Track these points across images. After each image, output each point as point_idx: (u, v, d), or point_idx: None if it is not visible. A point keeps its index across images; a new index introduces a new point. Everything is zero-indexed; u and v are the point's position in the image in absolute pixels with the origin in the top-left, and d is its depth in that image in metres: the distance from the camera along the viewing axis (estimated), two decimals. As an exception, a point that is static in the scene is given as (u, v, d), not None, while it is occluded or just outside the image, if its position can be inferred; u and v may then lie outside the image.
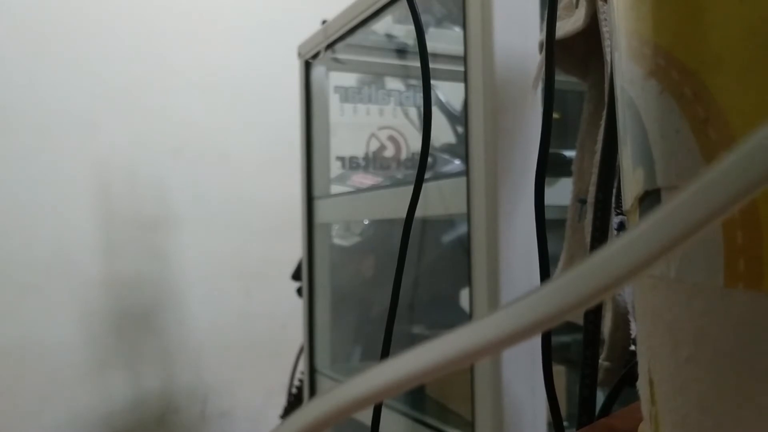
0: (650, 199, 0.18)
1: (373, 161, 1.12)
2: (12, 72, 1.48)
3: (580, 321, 0.43)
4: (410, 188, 0.57)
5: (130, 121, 1.61)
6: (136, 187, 1.61)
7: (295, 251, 1.11)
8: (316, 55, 0.97)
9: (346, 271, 1.12)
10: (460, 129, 0.94)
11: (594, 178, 0.42)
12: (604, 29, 0.42)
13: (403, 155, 1.14)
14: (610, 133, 0.41)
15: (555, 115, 0.46)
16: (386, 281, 0.58)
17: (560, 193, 0.53)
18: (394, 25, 0.96)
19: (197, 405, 1.67)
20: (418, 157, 0.58)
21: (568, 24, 0.45)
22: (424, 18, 0.58)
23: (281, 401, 1.45)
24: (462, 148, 0.68)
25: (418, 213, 0.57)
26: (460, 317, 0.92)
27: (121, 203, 1.60)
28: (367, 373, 0.12)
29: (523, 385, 0.59)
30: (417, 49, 0.55)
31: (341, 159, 1.08)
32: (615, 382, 0.41)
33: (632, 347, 0.42)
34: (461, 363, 0.11)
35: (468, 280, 0.62)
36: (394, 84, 1.10)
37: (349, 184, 1.05)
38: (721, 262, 0.16)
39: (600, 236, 0.41)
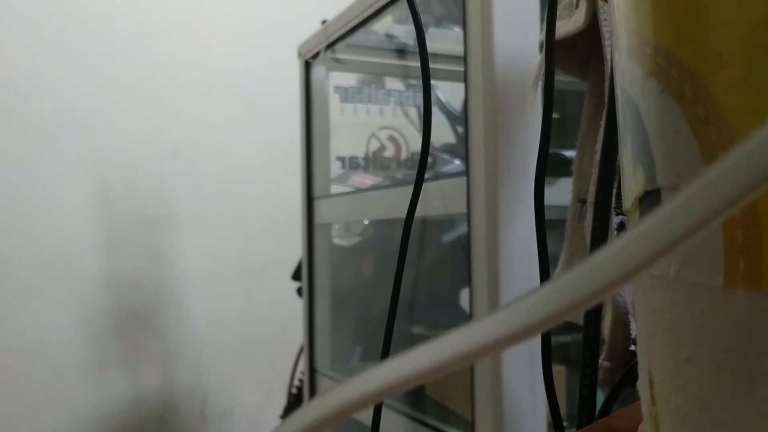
0: (650, 199, 0.18)
1: (373, 161, 1.12)
2: (12, 72, 1.48)
3: (580, 321, 0.43)
4: (410, 188, 0.57)
5: (130, 121, 1.61)
6: (136, 187, 1.61)
7: (295, 251, 1.11)
8: (316, 55, 0.97)
9: (346, 271, 1.12)
10: (460, 129, 0.94)
11: (594, 178, 0.42)
12: (605, 29, 0.42)
13: (403, 155, 1.14)
14: (610, 133, 0.41)
15: (555, 115, 0.46)
16: (386, 281, 0.58)
17: (560, 193, 0.53)
18: (394, 25, 0.96)
19: (197, 405, 1.67)
20: (418, 157, 0.58)
21: (569, 24, 0.45)
22: (424, 18, 0.58)
23: (281, 401, 1.45)
24: (462, 148, 0.68)
25: (418, 213, 0.57)
26: (460, 317, 0.92)
27: (121, 203, 1.60)
28: (367, 373, 0.12)
29: (523, 385, 0.59)
30: (417, 49, 0.55)
31: (341, 159, 1.08)
32: (615, 382, 0.41)
33: (632, 347, 0.42)
34: (461, 363, 0.11)
35: (468, 280, 0.62)
36: (394, 84, 1.10)
37: (349, 184, 1.05)
38: (721, 262, 0.16)
39: (600, 236, 0.41)
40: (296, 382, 1.29)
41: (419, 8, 0.55)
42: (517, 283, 0.59)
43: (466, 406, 0.64)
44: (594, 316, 0.42)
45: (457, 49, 0.64)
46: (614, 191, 0.41)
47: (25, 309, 1.48)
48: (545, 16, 0.45)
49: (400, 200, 0.70)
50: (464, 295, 0.90)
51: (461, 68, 0.62)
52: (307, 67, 1.01)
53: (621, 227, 0.41)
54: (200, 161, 1.69)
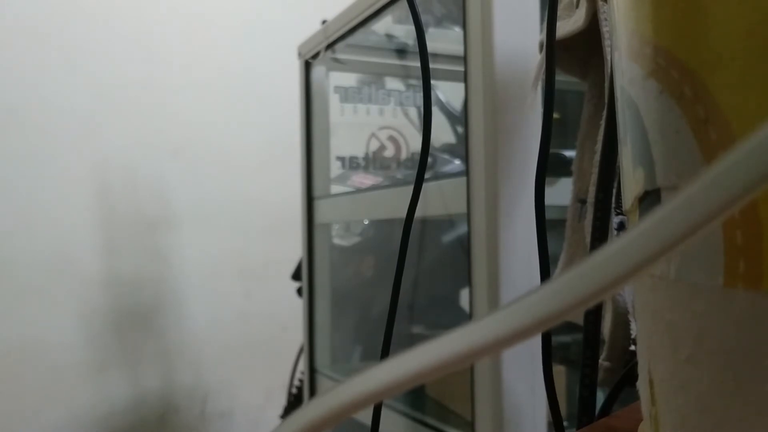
0: (650, 199, 0.18)
1: (373, 161, 1.12)
2: (12, 72, 1.48)
3: (580, 321, 0.43)
4: (410, 188, 0.57)
5: (130, 121, 1.61)
6: (136, 187, 1.61)
7: (295, 251, 1.11)
8: (316, 55, 0.97)
9: (346, 271, 1.12)
10: (460, 129, 0.94)
11: (594, 178, 0.42)
12: (605, 29, 0.42)
13: (403, 155, 1.14)
14: (610, 133, 0.41)
15: (555, 115, 0.46)
16: (386, 281, 0.58)
17: (560, 193, 0.53)
18: (394, 25, 0.96)
19: (197, 405, 1.67)
20: (418, 157, 0.58)
21: (569, 24, 0.45)
22: (424, 18, 0.58)
23: (281, 401, 1.45)
24: (462, 148, 0.68)
25: (418, 213, 0.57)
26: (460, 317, 0.92)
27: (121, 203, 1.60)
28: (367, 373, 0.12)
29: (523, 385, 0.59)
30: (417, 49, 0.55)
31: (341, 159, 1.08)
32: (615, 382, 0.41)
33: (632, 347, 0.42)
34: (461, 363, 0.11)
35: (468, 280, 0.62)
36: (394, 84, 1.10)
37: (349, 184, 1.05)
38: (721, 262, 0.16)
39: (600, 236, 0.41)
40: (296, 382, 1.29)
41: (419, 8, 0.55)
42: (517, 283, 0.59)
43: (466, 406, 0.64)
44: (594, 316, 0.42)
45: (457, 49, 0.64)
46: (614, 191, 0.41)
47: (25, 309, 1.47)
48: (545, 16, 0.45)
49: (400, 200, 0.70)
50: (464, 295, 0.90)
51: (461, 68, 0.62)
52: (307, 67, 1.01)
53: (621, 227, 0.41)
54: (200, 161, 1.69)
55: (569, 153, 0.53)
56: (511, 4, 0.59)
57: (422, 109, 0.57)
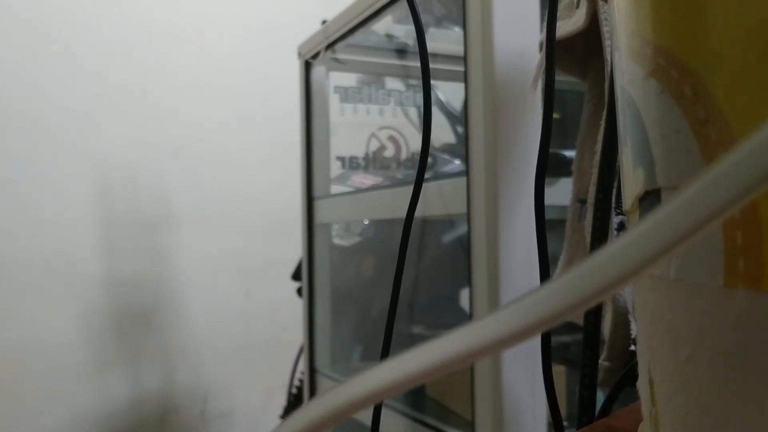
0: (650, 199, 0.18)
1: (373, 161, 1.12)
2: (12, 72, 1.48)
3: (580, 321, 0.43)
4: (410, 188, 0.57)
5: (130, 121, 1.61)
6: (136, 187, 1.61)
7: (295, 251, 1.11)
8: (316, 55, 0.97)
9: (346, 271, 1.12)
10: (460, 129, 0.94)
11: (594, 178, 0.42)
12: (605, 29, 0.42)
13: (403, 155, 1.14)
14: (610, 133, 0.41)
15: (555, 115, 0.46)
16: (386, 281, 0.58)
17: (560, 193, 0.53)
18: (394, 25, 0.96)
19: (197, 405, 1.67)
20: (418, 157, 0.58)
21: (569, 24, 0.45)
22: (424, 18, 0.58)
23: (281, 401, 1.45)
24: (462, 148, 0.68)
25: (418, 213, 0.57)
26: (460, 317, 0.92)
27: (121, 203, 1.60)
28: (367, 373, 0.12)
29: (523, 385, 0.59)
30: (417, 49, 0.55)
31: (341, 159, 1.08)
32: (615, 382, 0.41)
33: (632, 347, 0.42)
34: (461, 363, 0.11)
35: (468, 280, 0.62)
36: (394, 84, 1.10)
37: (349, 184, 1.05)
38: (721, 262, 0.16)
39: (600, 236, 0.41)
40: (296, 382, 1.29)
41: (419, 8, 0.55)
42: (517, 283, 0.59)
43: (466, 406, 0.64)
44: (594, 316, 0.42)
45: (457, 49, 0.64)
46: (614, 191, 0.41)
47: (25, 309, 1.47)
48: (545, 16, 0.45)
49: (400, 200, 0.70)
50: (464, 295, 0.90)
51: (461, 68, 0.62)
52: (307, 67, 1.01)
53: (621, 227, 0.41)
54: (200, 161, 1.69)
55: (569, 153, 0.53)
56: (511, 4, 0.59)
57: (422, 109, 0.57)
